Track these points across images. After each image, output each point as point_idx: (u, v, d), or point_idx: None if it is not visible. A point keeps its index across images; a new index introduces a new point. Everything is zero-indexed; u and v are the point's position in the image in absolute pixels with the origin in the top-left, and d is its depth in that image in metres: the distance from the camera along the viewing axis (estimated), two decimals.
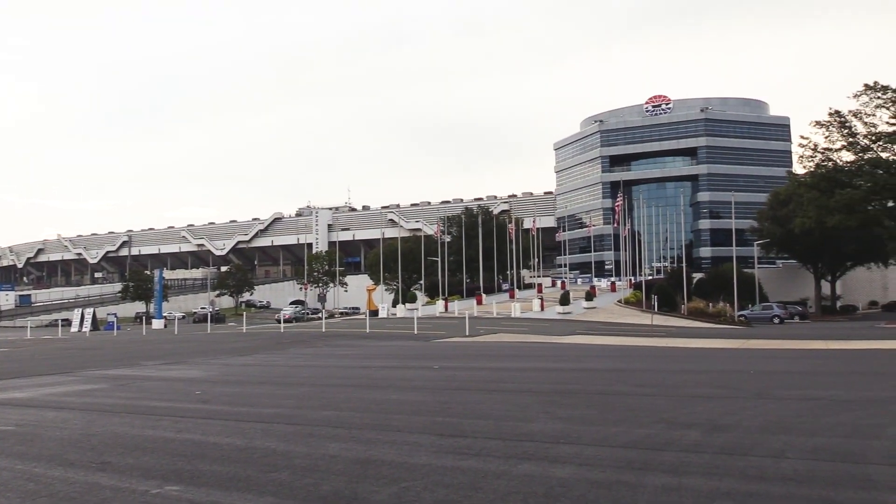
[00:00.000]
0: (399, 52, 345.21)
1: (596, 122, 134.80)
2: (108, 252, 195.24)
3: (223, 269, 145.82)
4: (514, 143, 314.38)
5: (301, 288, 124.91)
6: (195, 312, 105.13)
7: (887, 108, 54.18)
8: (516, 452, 8.64)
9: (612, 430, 10.06)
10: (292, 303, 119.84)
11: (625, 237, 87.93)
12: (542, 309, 60.23)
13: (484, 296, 71.20)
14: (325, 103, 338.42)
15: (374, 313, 65.77)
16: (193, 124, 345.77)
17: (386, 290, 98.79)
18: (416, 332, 38.58)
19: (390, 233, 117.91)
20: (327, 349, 29.92)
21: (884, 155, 55.13)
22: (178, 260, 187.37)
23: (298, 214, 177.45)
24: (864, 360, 22.45)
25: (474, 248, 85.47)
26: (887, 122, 54.49)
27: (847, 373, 18.95)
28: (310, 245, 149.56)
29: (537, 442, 9.33)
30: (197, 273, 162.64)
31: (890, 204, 56.78)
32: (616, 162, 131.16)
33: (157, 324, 70.27)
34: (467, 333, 36.50)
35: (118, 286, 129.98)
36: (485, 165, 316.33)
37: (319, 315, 73.20)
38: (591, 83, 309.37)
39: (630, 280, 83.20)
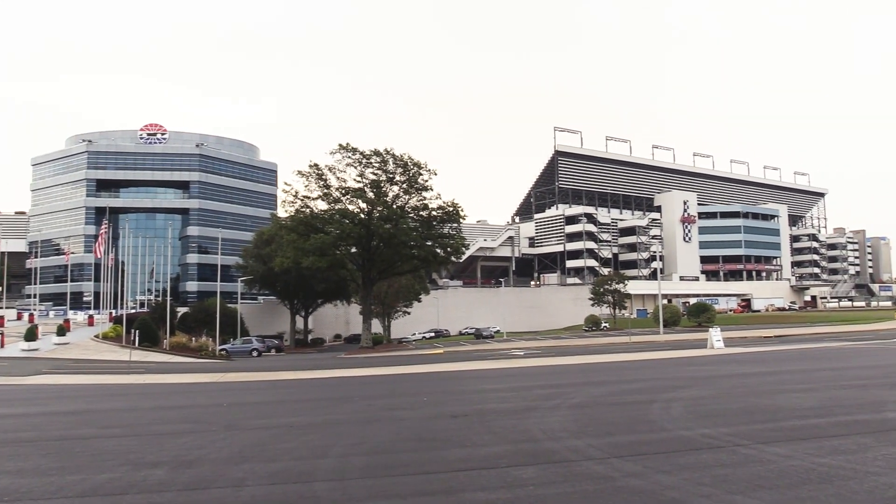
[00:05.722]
0: None
1: (84, 141, 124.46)
2: None
3: None
4: None
5: None
6: None
7: (355, 167, 62.53)
8: None
9: (70, 479, 9.29)
10: None
11: (108, 267, 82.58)
12: (3, 346, 52.38)
13: None
14: None
15: None
16: None
17: None
18: None
19: None
20: None
21: (350, 207, 63.20)
22: None
23: None
24: (327, 388, 25.17)
25: None
26: (355, 179, 62.80)
27: (311, 400, 20.97)
28: None
29: None
30: None
31: (353, 250, 65.17)
32: (104, 187, 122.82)
33: None
34: None
35: None
36: None
37: None
38: (83, 99, 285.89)
39: (111, 313, 78.34)
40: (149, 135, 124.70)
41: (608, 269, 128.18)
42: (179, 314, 79.59)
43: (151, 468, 9.92)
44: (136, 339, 53.36)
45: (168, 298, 69.74)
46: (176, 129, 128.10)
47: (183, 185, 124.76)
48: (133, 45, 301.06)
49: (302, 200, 63.21)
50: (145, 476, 9.37)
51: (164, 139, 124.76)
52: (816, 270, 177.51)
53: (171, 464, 10.22)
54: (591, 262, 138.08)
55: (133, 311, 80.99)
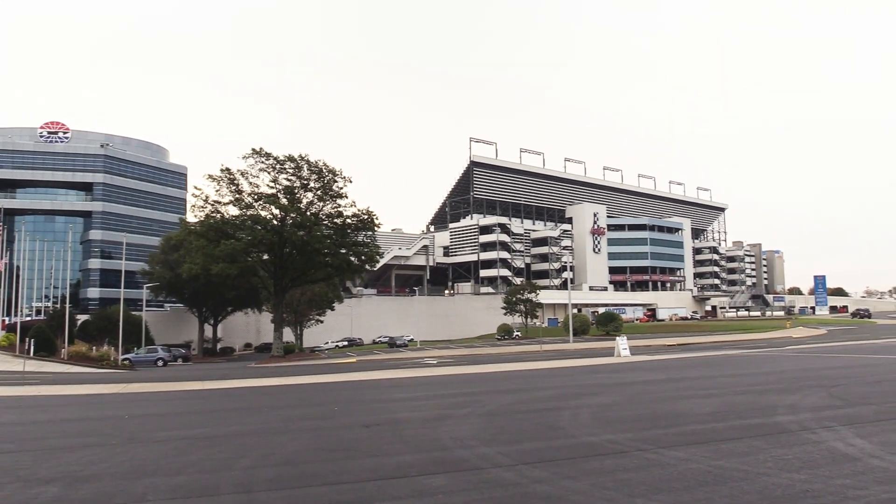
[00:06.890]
0: None
1: None
2: None
3: None
4: None
5: None
6: None
7: (268, 173, 61.40)
8: None
9: None
10: None
11: (1, 273, 77.95)
12: None
13: None
14: None
15: None
16: None
17: None
18: None
19: None
20: None
21: (263, 213, 61.94)
22: None
23: None
24: (235, 398, 24.54)
25: None
26: (268, 185, 61.67)
27: (218, 411, 20.39)
28: None
29: None
30: None
31: (265, 257, 63.84)
32: None
33: None
34: None
35: None
36: None
37: None
38: None
39: (4, 321, 73.97)
40: (49, 133, 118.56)
41: (521, 279, 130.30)
42: (80, 322, 76.08)
43: (44, 484, 9.44)
44: (32, 348, 50.67)
45: (67, 305, 66.59)
46: (79, 129, 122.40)
47: (86, 187, 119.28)
48: (35, 42, 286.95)
49: (212, 205, 61.54)
50: (37, 493, 8.91)
51: (67, 138, 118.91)
52: (717, 282, 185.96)
53: (66, 479, 9.75)
54: (505, 272, 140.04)
55: (29, 318, 76.95)
